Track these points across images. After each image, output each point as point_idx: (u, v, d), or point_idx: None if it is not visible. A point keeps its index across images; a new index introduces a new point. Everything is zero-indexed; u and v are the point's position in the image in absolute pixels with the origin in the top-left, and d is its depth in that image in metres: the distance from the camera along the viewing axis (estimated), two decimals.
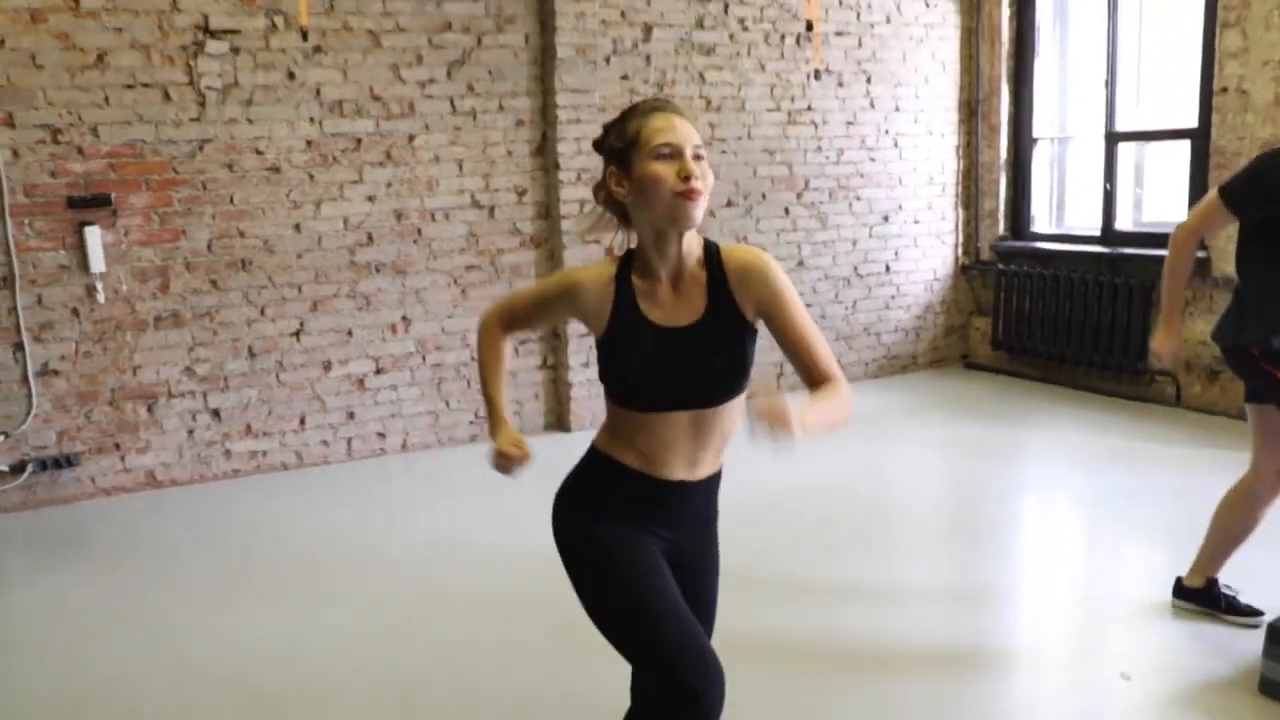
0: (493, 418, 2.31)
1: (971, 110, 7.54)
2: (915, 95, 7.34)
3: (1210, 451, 5.51)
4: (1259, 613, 3.55)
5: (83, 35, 5.05)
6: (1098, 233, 6.93)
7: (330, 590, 4.20)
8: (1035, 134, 7.40)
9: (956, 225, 7.67)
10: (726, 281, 2.10)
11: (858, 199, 7.23)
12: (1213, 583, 3.64)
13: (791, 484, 5.21)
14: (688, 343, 2.10)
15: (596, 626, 2.12)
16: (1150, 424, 6.11)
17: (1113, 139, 6.79)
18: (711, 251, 2.13)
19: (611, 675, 2.48)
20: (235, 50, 5.36)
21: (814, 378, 2.13)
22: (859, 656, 3.50)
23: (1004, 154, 7.47)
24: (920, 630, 3.68)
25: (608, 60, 6.26)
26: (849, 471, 5.46)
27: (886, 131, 7.27)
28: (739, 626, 3.24)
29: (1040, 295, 7.12)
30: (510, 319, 2.35)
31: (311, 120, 5.58)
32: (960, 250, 7.72)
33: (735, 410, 2.17)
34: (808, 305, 6.91)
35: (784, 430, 1.80)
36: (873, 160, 7.25)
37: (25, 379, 5.13)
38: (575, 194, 6.15)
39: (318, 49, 5.53)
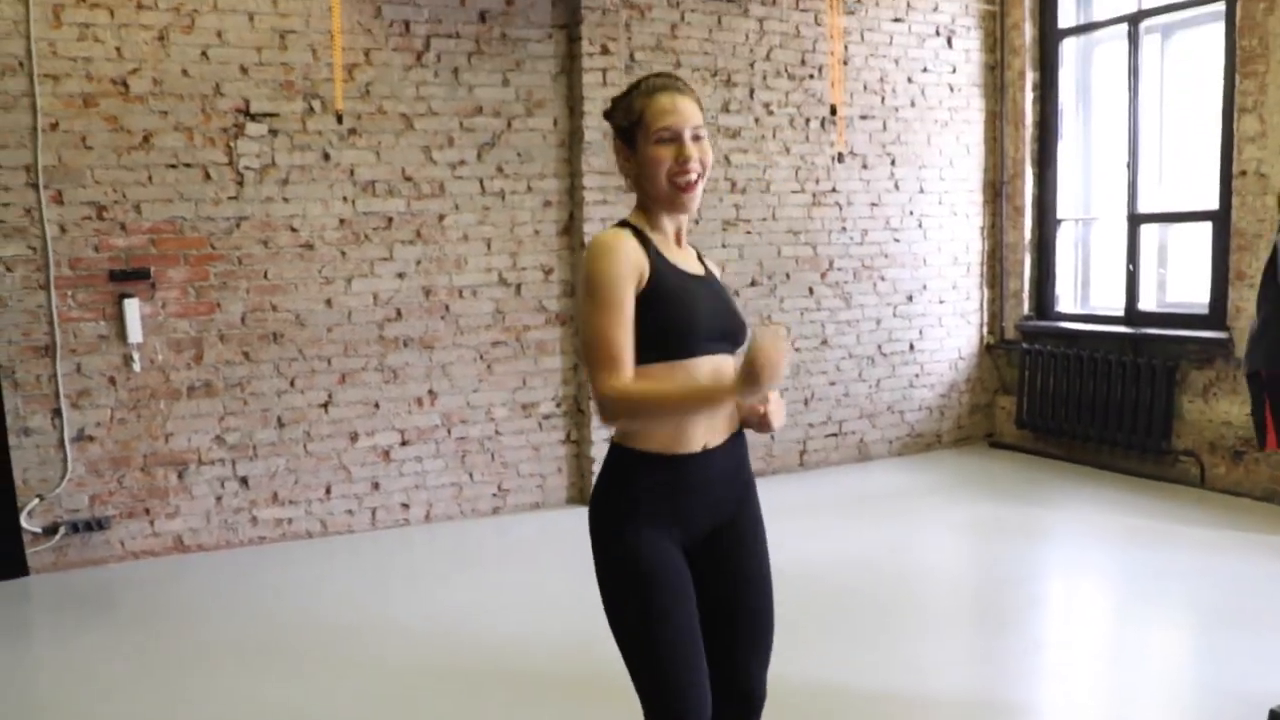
0: (724, 390, 2.03)
1: (996, 192, 7.64)
2: (940, 177, 7.46)
3: (1234, 534, 5.47)
4: None
5: (130, 118, 5.31)
6: (1121, 313, 6.96)
7: (349, 658, 4.27)
8: (1059, 215, 7.48)
9: (981, 305, 7.73)
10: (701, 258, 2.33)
11: (882, 279, 7.32)
12: None
13: (811, 558, 5.23)
14: (712, 284, 2.27)
15: (616, 643, 2.20)
16: (1174, 505, 6.07)
17: (1135, 220, 6.85)
18: None
19: None
20: (274, 132, 5.60)
21: None
22: None
23: (1028, 235, 7.55)
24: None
25: None
26: (870, 549, 5.48)
27: (911, 213, 7.38)
28: None
29: (1065, 374, 7.13)
30: (624, 365, 2.07)
31: (345, 199, 5.80)
32: (985, 329, 7.77)
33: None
34: (830, 384, 6.99)
35: (770, 376, 1.92)
36: (897, 241, 7.35)
37: (62, 444, 5.31)
38: None
39: (353, 131, 5.76)
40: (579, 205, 6.28)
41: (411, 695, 3.89)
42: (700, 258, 2.34)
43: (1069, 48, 7.40)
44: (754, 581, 2.28)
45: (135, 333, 5.37)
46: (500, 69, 6.09)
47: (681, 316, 2.13)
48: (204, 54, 5.42)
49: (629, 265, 2.10)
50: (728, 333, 2.23)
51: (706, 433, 2.18)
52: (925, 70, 7.32)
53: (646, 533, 2.15)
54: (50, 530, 5.34)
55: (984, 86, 7.55)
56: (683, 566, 2.19)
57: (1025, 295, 7.59)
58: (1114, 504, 6.18)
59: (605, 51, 6.20)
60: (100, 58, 5.23)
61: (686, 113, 2.16)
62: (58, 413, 5.30)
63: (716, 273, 2.37)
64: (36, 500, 5.30)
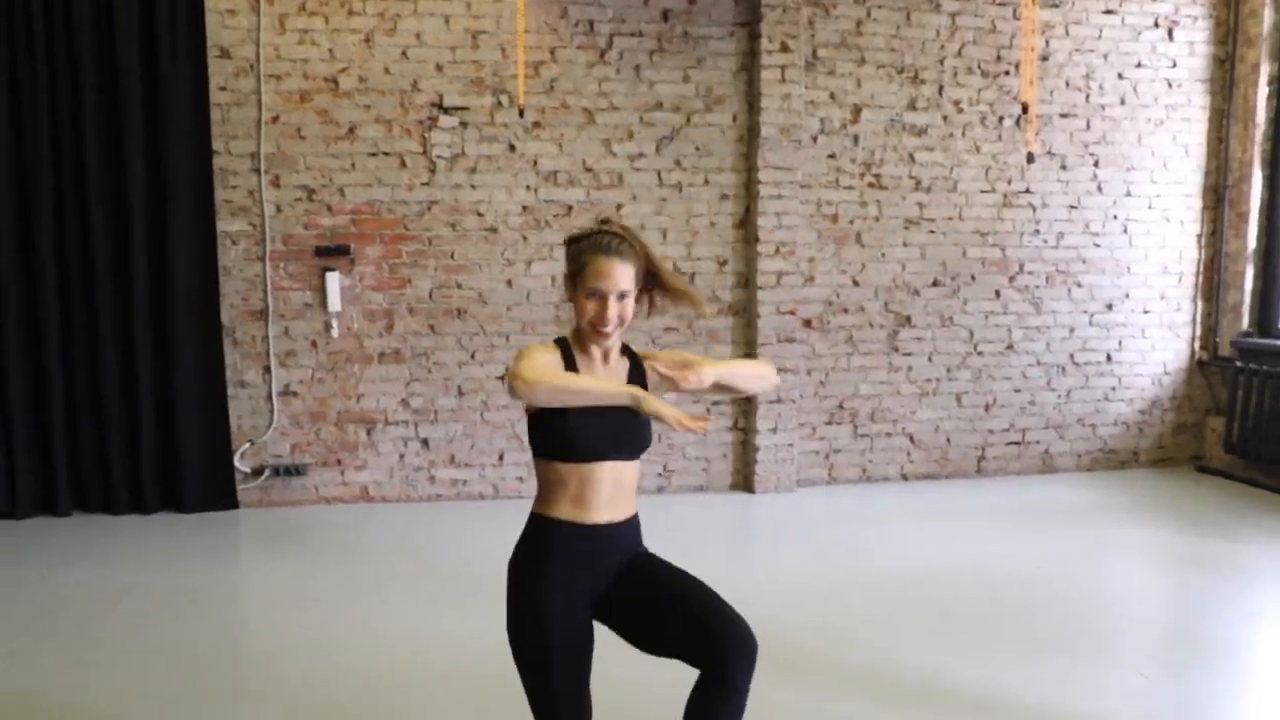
0: (618, 392, 2.42)
1: (1218, 196, 7.14)
2: (1151, 180, 7.06)
3: None
4: None
5: (339, 112, 5.99)
6: None
7: (495, 605, 4.65)
8: None
9: (1194, 318, 7.25)
10: (641, 366, 2.61)
11: (1078, 285, 7.02)
12: None
13: (972, 563, 5.22)
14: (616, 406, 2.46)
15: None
16: None
17: None
18: (628, 349, 2.64)
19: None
20: (464, 125, 6.13)
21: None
22: None
23: (1252, 243, 7.00)
24: None
25: (815, 139, 6.55)
26: (1037, 563, 5.27)
27: (1115, 216, 7.03)
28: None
29: None
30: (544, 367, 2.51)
31: (528, 188, 6.25)
32: (1198, 344, 7.28)
33: (638, 467, 2.61)
34: (1015, 391, 6.76)
35: (689, 372, 2.44)
36: (1097, 246, 7.03)
37: (270, 397, 6.08)
38: (774, 265, 6.45)
39: (536, 124, 6.20)
40: (754, 199, 6.45)
41: None
42: (640, 368, 2.60)
43: None
44: (665, 578, 2.60)
45: (335, 302, 6.05)
46: (681, 65, 6.36)
47: (566, 430, 2.46)
48: (404, 54, 6.02)
49: (541, 355, 2.48)
50: (621, 444, 2.51)
51: (607, 512, 2.52)
52: (1139, 65, 6.95)
53: (553, 588, 2.49)
54: (257, 471, 6.12)
55: (1210, 82, 7.06)
56: (583, 633, 2.53)
57: (1245, 309, 7.05)
58: None
59: (785, 49, 6.33)
60: (315, 59, 5.93)
61: (617, 277, 2.47)
62: (268, 369, 6.06)
63: (655, 380, 2.59)
64: (248, 445, 6.09)
